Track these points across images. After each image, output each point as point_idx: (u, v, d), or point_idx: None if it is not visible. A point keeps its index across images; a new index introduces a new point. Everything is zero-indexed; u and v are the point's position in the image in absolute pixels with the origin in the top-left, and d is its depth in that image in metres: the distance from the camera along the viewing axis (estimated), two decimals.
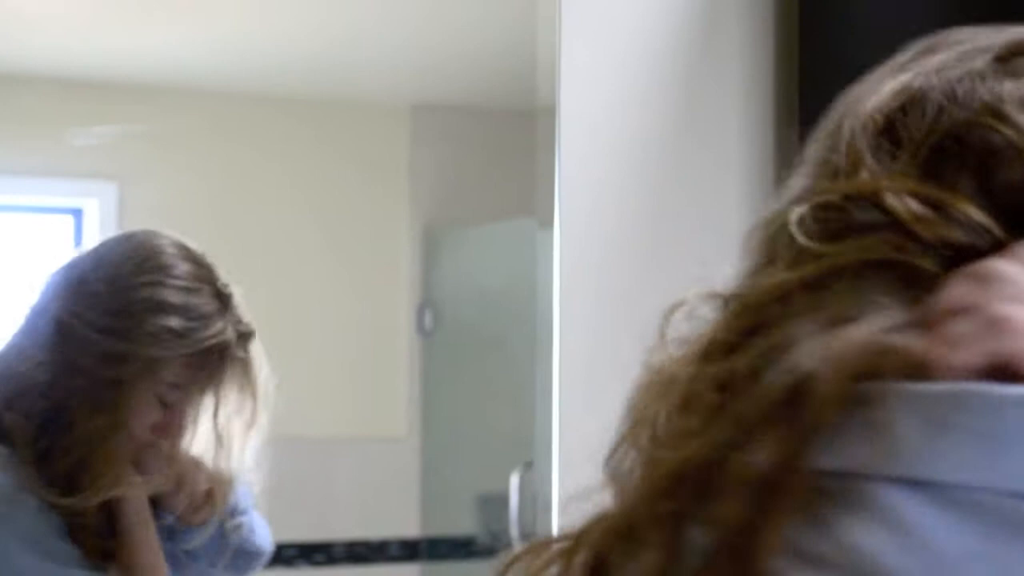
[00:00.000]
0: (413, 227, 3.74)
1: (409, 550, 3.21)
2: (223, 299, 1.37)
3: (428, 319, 3.66)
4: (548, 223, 1.90)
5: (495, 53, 3.05)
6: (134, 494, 1.35)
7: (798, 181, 0.56)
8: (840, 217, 0.51)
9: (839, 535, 0.42)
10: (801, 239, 0.51)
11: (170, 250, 1.37)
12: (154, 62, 3.28)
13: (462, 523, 3.20)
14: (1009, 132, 0.51)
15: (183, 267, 1.36)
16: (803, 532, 0.43)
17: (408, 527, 3.21)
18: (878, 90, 0.55)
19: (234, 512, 1.42)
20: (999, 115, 0.52)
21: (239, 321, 1.38)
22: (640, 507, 0.49)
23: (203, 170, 3.43)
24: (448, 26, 2.99)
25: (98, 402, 1.30)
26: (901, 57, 0.58)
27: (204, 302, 1.35)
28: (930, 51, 0.57)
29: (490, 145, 3.35)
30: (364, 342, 3.60)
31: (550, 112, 1.89)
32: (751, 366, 0.48)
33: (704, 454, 0.47)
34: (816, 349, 0.45)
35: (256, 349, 1.41)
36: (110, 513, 1.35)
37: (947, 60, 0.56)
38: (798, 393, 0.44)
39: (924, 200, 0.50)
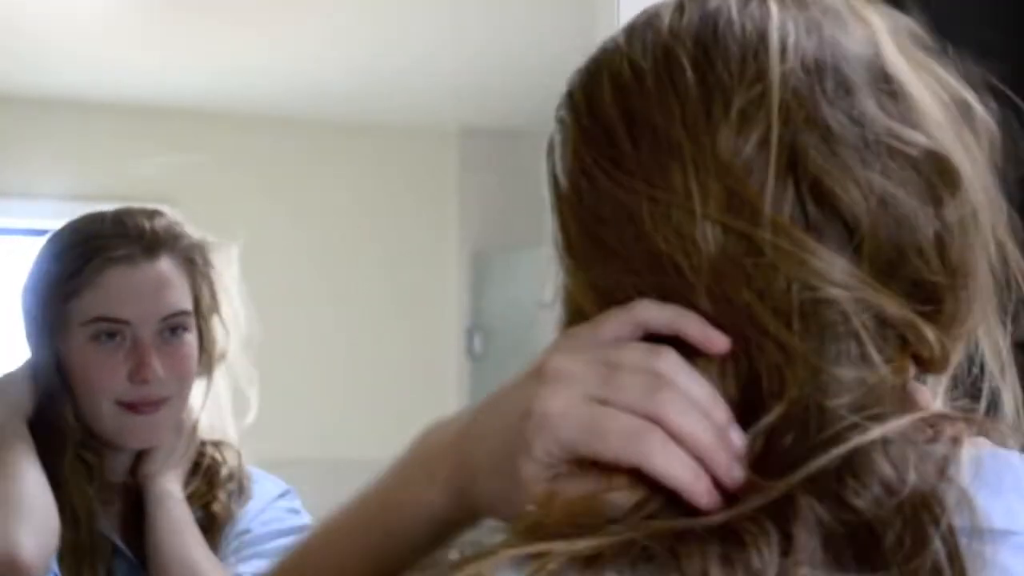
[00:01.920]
0: (462, 251, 3.75)
1: None
2: (119, 226, 1.27)
3: (478, 343, 3.66)
4: None
5: (544, 77, 3.05)
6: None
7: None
8: None
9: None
10: None
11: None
12: (211, 89, 3.30)
13: None
14: None
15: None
16: None
17: None
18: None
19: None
20: None
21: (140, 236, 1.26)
22: None
23: (256, 194, 3.44)
24: (497, 51, 3.00)
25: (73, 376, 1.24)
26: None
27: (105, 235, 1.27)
28: None
29: (539, 169, 3.33)
30: (414, 366, 3.61)
31: None
32: None
33: None
34: None
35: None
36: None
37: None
38: None
39: None
